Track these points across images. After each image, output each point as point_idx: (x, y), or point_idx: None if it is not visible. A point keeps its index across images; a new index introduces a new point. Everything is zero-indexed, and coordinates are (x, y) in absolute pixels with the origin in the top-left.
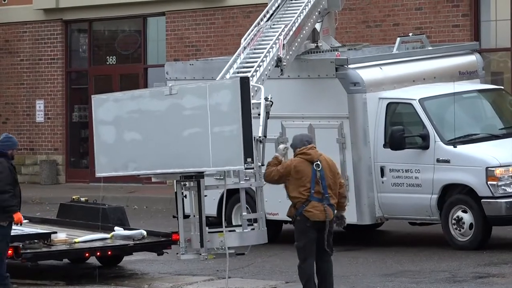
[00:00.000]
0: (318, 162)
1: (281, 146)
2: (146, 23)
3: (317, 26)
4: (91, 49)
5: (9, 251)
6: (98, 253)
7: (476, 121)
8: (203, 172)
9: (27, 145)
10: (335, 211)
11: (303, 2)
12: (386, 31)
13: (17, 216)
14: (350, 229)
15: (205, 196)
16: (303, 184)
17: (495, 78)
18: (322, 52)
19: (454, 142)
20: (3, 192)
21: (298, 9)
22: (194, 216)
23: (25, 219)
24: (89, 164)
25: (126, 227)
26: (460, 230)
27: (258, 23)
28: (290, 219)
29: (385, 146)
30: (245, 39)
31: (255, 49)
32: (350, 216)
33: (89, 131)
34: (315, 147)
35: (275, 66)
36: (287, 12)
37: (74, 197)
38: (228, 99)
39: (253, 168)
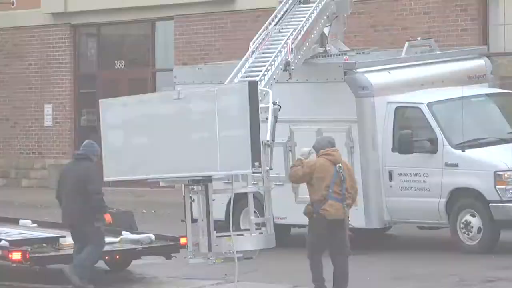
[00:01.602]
0: (340, 165)
1: (305, 149)
2: (154, 27)
3: (326, 30)
4: (100, 53)
5: (18, 255)
6: (107, 257)
7: (485, 125)
8: (211, 176)
9: (35, 149)
10: None
11: (312, 6)
12: (394, 35)
13: (108, 216)
14: (358, 233)
15: (213, 200)
16: (325, 184)
17: (503, 82)
18: (331, 56)
19: (462, 146)
20: (100, 192)
21: (307, 13)
22: (202, 220)
23: (33, 223)
24: None
25: (135, 231)
26: (468, 234)
27: (267, 27)
28: (306, 216)
29: (393, 150)
30: (253, 43)
31: (263, 53)
32: (359, 220)
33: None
34: (338, 151)
35: (284, 70)
36: (295, 16)
37: None
38: (236, 103)
39: (261, 172)
